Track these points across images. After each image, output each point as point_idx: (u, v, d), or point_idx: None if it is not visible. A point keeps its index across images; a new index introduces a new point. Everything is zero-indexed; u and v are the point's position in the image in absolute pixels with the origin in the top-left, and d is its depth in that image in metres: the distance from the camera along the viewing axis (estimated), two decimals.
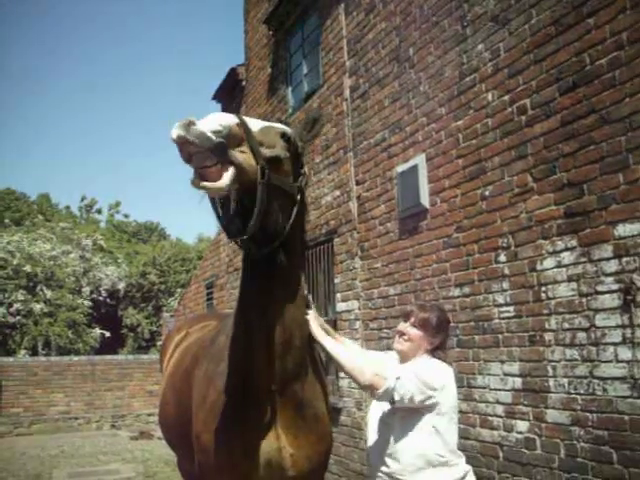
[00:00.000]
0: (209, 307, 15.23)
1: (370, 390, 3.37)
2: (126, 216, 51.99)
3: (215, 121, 2.53)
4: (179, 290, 33.16)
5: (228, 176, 2.52)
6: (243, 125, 2.67)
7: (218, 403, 3.17)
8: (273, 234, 2.83)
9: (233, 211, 2.71)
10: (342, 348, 3.45)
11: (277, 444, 3.07)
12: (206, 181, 2.51)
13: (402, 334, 3.59)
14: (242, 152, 2.62)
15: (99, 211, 52.29)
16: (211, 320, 5.00)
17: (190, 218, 77.50)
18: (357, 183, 8.18)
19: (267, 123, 2.93)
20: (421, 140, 6.85)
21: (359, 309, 7.97)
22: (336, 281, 8.59)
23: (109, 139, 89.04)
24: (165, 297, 34.55)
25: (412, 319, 3.58)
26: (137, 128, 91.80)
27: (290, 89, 10.69)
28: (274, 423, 3.07)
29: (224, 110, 14.64)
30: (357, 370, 3.32)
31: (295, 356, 3.04)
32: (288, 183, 2.90)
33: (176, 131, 2.39)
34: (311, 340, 3.24)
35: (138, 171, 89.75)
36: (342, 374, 7.91)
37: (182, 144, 2.43)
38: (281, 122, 3.12)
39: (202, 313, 13.56)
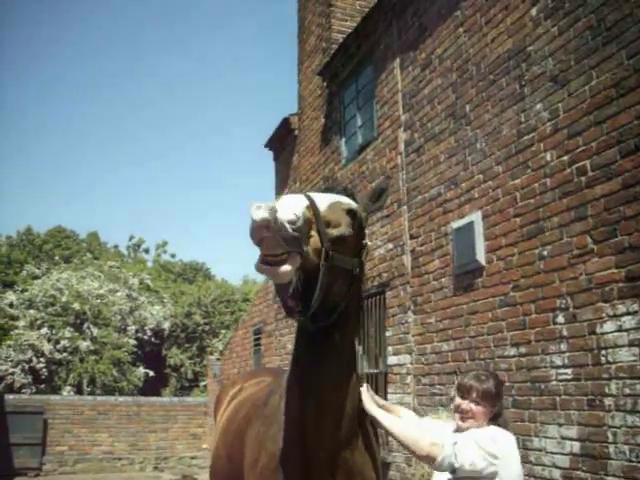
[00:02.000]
0: (256, 353, 15.27)
1: (428, 461, 3.32)
2: (172, 256, 52.44)
3: (290, 210, 2.46)
4: (223, 331, 33.28)
5: (293, 265, 2.47)
6: (312, 207, 2.64)
7: (269, 467, 3.14)
8: (330, 310, 2.81)
9: (293, 290, 2.65)
10: (396, 420, 3.39)
11: None
12: (269, 265, 2.46)
13: (465, 412, 3.53)
14: (311, 236, 2.59)
15: (146, 250, 52.90)
16: (266, 376, 5.01)
17: (236, 259, 78.02)
18: (411, 237, 8.21)
19: (334, 198, 2.88)
20: (477, 197, 6.87)
21: (411, 363, 7.92)
22: (387, 334, 8.57)
23: (158, 180, 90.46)
24: (209, 338, 34.60)
25: (473, 394, 3.51)
26: (184, 170, 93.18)
27: (344, 140, 10.79)
28: None
29: (276, 158, 14.88)
30: (412, 441, 3.27)
31: (346, 423, 3.00)
32: (349, 261, 2.84)
33: (261, 213, 2.35)
34: (362, 409, 3.19)
35: (185, 211, 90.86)
36: None
37: (260, 227, 2.39)
38: (346, 192, 3.04)
39: (257, 368, 13.56)
